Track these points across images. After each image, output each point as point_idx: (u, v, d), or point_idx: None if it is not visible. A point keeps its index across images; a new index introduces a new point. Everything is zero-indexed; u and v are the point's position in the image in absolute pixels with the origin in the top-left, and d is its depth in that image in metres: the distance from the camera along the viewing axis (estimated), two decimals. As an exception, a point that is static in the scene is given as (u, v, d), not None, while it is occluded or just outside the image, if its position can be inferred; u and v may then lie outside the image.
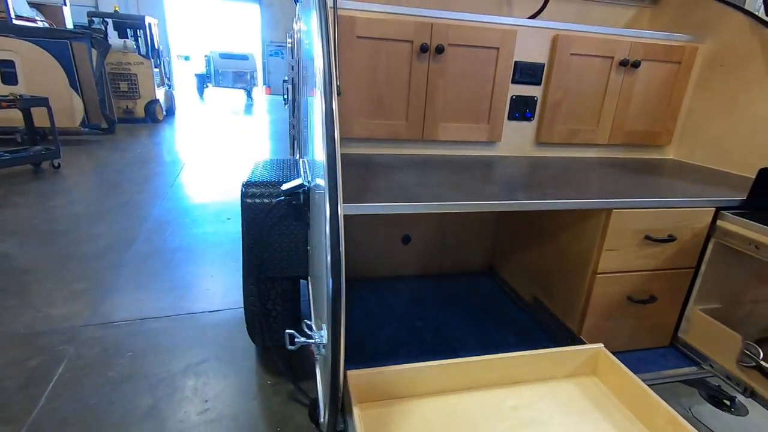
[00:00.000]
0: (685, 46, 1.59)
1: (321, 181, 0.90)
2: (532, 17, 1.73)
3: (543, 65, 1.51)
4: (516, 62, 1.47)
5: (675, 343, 1.32)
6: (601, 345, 1.07)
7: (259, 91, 16.21)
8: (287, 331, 0.94)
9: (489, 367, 1.04)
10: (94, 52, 6.54)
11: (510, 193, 1.07)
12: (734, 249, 1.16)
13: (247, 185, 1.67)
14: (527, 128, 1.59)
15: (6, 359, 1.92)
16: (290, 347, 0.94)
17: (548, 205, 1.01)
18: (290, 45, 2.98)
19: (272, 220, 1.63)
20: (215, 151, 6.49)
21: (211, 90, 14.62)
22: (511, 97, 1.52)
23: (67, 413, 1.65)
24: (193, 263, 2.90)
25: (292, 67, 3.04)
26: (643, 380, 0.96)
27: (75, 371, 1.88)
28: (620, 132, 1.65)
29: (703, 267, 1.23)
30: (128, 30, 8.80)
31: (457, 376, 1.02)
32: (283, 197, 1.53)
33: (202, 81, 14.06)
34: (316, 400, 1.17)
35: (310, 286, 1.56)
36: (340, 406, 0.91)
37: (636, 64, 1.55)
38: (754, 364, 1.13)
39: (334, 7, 1.05)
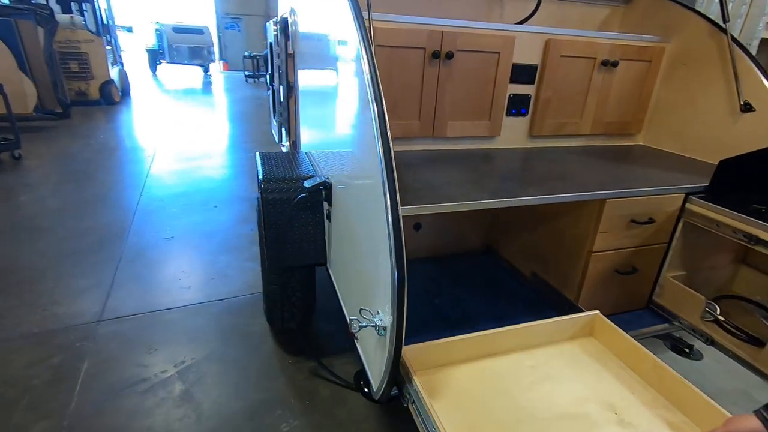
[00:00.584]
0: (654, 46, 1.81)
1: (357, 179, 1.03)
2: (523, 22, 1.89)
3: (536, 66, 1.68)
4: (514, 64, 1.63)
5: (651, 306, 1.59)
6: (597, 311, 1.30)
7: (217, 67, 15.53)
8: (351, 318, 1.10)
9: (509, 336, 1.24)
10: (40, 30, 6.09)
11: (525, 189, 1.25)
12: (699, 227, 1.42)
13: (265, 182, 1.76)
14: (522, 123, 1.77)
15: (28, 359, 1.96)
16: (353, 330, 1.10)
17: (560, 198, 1.21)
18: (275, 32, 2.98)
19: (291, 215, 1.75)
20: (184, 136, 6.32)
21: (164, 67, 13.86)
22: (509, 95, 1.69)
23: (102, 404, 1.74)
24: (191, 253, 2.96)
25: (278, 55, 3.06)
26: (636, 338, 1.20)
27: (100, 365, 1.95)
28: (600, 123, 1.87)
29: (674, 242, 1.48)
30: (72, 4, 8.17)
31: (484, 344, 1.22)
32: (305, 194, 1.64)
33: (155, 57, 13.29)
34: (360, 373, 1.33)
35: (333, 272, 1.70)
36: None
37: (615, 64, 1.76)
38: (712, 318, 1.40)
39: (369, 19, 1.16)
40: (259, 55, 13.26)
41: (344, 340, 2.19)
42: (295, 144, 3.34)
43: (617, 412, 1.08)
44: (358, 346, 1.35)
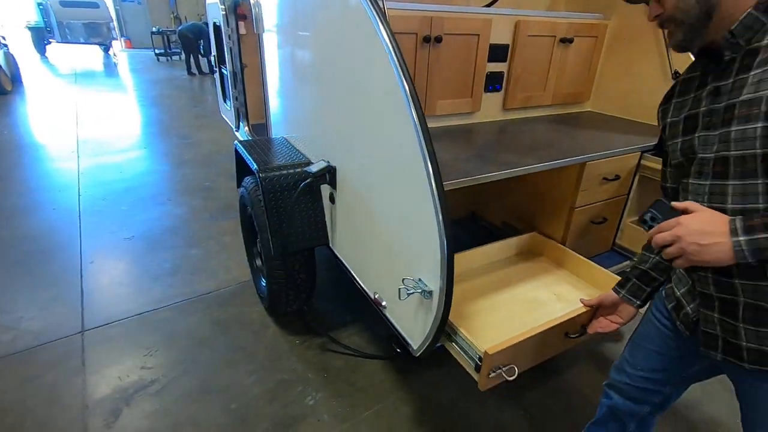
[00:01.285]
0: (599, 23, 2.07)
1: (380, 156, 1.11)
2: (490, 5, 2.05)
3: (508, 46, 1.86)
4: (490, 45, 1.79)
5: (614, 248, 1.90)
6: (535, 232, 1.64)
7: (119, 45, 13.99)
8: (399, 287, 1.22)
9: (475, 255, 1.50)
10: None
11: (524, 159, 1.44)
12: (650, 178, 1.72)
13: (263, 171, 1.78)
14: (497, 98, 1.95)
15: (22, 378, 1.84)
16: (401, 299, 1.23)
17: (556, 164, 1.41)
18: (223, 12, 2.85)
19: (293, 200, 1.80)
20: (105, 126, 5.76)
21: (55, 47, 12.20)
22: (487, 73, 1.85)
23: (119, 411, 1.72)
24: (159, 251, 2.84)
25: (229, 36, 2.94)
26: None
27: (102, 373, 1.89)
28: (559, 94, 2.12)
29: (631, 193, 1.78)
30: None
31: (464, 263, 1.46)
32: (311, 179, 1.69)
33: (40, 36, 11.64)
34: (393, 336, 1.48)
35: (341, 251, 1.79)
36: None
37: (570, 41, 1.98)
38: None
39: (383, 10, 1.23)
40: (171, 31, 12.17)
41: (344, 315, 2.31)
42: (254, 129, 3.27)
43: (557, 294, 1.53)
44: (387, 314, 1.49)
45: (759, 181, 0.75)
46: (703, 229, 0.75)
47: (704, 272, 0.87)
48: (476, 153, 1.51)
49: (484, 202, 2.30)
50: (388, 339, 1.87)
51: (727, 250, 0.73)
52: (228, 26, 2.91)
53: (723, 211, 0.79)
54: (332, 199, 1.78)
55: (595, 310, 1.25)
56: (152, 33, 11.82)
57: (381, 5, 1.20)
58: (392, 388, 1.87)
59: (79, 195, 3.62)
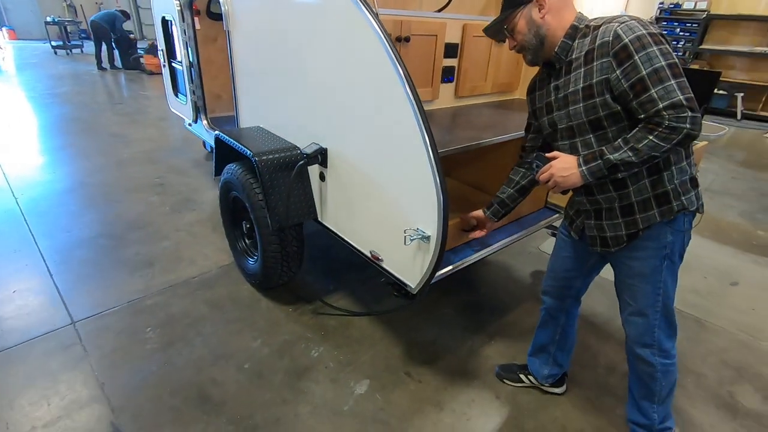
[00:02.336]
0: (524, 26, 2.55)
1: (377, 133, 1.42)
2: (441, 10, 2.43)
3: (458, 44, 2.26)
4: (446, 43, 2.18)
5: (547, 205, 2.41)
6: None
7: (1, 37, 12.37)
8: (405, 235, 1.55)
9: None
10: None
11: (485, 133, 1.84)
12: (571, 148, 2.24)
13: (258, 155, 1.99)
14: (450, 87, 2.35)
15: (25, 369, 1.87)
16: (406, 245, 1.56)
17: (510, 137, 1.83)
18: (178, 8, 2.92)
19: (287, 179, 2.04)
20: (14, 129, 5.29)
21: None
22: (443, 67, 2.24)
23: (131, 388, 1.83)
24: (128, 245, 2.86)
25: (184, 31, 3.02)
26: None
27: (111, 356, 1.98)
28: (496, 84, 2.58)
29: (558, 160, 2.29)
30: None
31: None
32: (305, 160, 1.95)
33: None
34: (392, 283, 1.80)
35: (332, 222, 2.06)
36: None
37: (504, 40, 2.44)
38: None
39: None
40: (72, 21, 11.09)
41: (327, 284, 2.58)
42: (214, 121, 3.37)
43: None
44: (385, 266, 1.81)
45: (590, 136, 1.26)
46: (564, 167, 1.25)
47: (581, 197, 1.39)
48: (446, 132, 1.88)
49: (447, 170, 2.70)
50: (385, 286, 2.16)
51: (578, 176, 1.23)
52: (183, 21, 2.99)
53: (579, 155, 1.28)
54: (322, 177, 2.05)
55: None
56: (46, 23, 10.68)
57: (375, 9, 1.51)
58: (382, 335, 2.21)
59: (15, 198, 3.41)
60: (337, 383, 1.91)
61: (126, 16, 9.35)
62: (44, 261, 2.64)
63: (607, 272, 1.55)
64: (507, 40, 1.40)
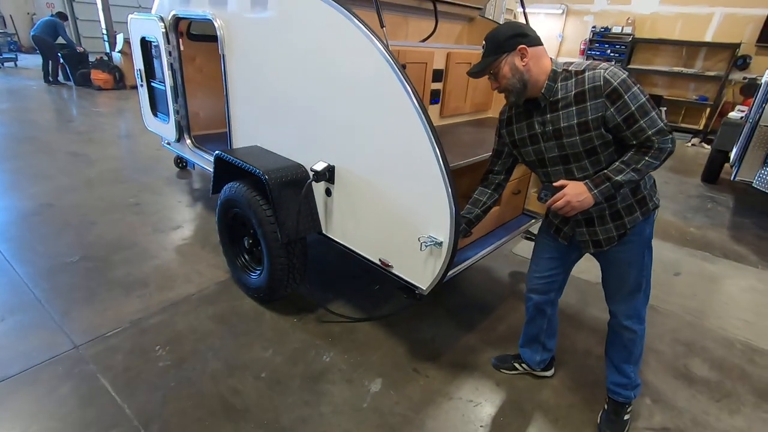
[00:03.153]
0: (495, 53, 2.87)
1: (388, 150, 1.62)
2: (425, 40, 2.68)
3: (443, 70, 2.51)
4: (433, 69, 2.42)
5: (524, 212, 2.70)
6: None
7: None
8: (420, 239, 1.75)
9: None
10: None
11: (478, 150, 2.09)
12: (543, 161, 2.55)
13: (267, 173, 2.12)
14: (437, 108, 2.60)
15: (35, 394, 1.84)
16: (421, 251, 1.76)
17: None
18: (163, 29, 2.98)
19: (294, 195, 2.18)
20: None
21: None
22: (431, 90, 2.48)
23: (154, 405, 1.88)
24: (115, 267, 2.84)
25: (169, 53, 3.06)
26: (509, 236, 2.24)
27: (125, 375, 1.99)
28: (473, 104, 2.86)
29: (533, 174, 2.59)
30: None
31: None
32: (314, 176, 2.09)
33: None
34: (402, 288, 1.99)
35: (338, 234, 2.21)
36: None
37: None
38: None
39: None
40: (3, 33, 10.36)
41: (326, 294, 2.71)
42: (196, 140, 3.40)
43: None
44: (395, 271, 1.99)
45: (585, 161, 1.48)
46: (578, 192, 1.46)
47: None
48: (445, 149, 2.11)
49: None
50: (401, 290, 2.32)
51: (591, 198, 1.45)
52: (168, 43, 3.04)
53: (573, 178, 1.51)
54: (328, 193, 2.21)
55: None
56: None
57: (386, 41, 1.72)
58: (385, 338, 2.37)
59: (-19, 223, 3.24)
60: (353, 383, 2.05)
61: (63, 17, 8.95)
62: (29, 288, 2.56)
63: (577, 270, 1.83)
64: (490, 81, 1.56)
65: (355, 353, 2.24)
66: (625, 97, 1.35)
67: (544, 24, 9.90)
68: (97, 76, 8.69)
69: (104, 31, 9.21)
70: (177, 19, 2.95)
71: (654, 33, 8.58)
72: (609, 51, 9.04)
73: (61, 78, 9.03)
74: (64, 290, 2.57)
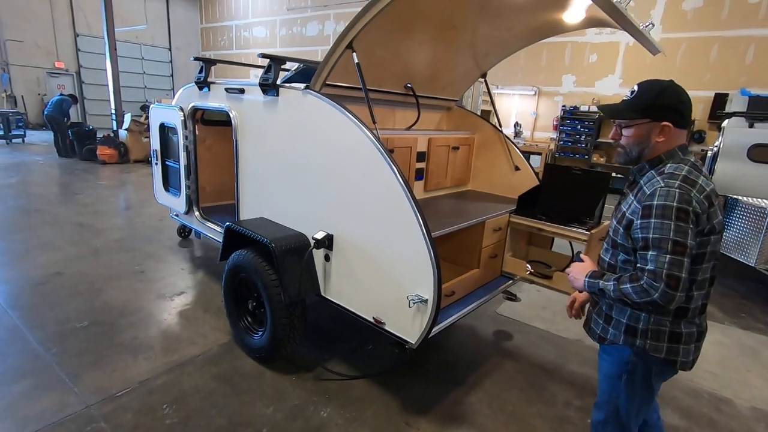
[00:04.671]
0: (471, 137, 3.35)
1: (379, 221, 1.95)
2: (410, 127, 3.15)
3: (425, 152, 2.94)
4: (417, 152, 2.85)
5: (502, 274, 3.00)
6: None
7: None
8: (408, 297, 2.01)
9: None
10: None
11: (457, 219, 2.43)
12: (515, 228, 2.90)
13: (275, 242, 2.42)
14: (421, 184, 2.99)
15: None
16: (409, 308, 2.02)
17: (475, 222, 2.43)
18: (182, 117, 3.42)
19: (297, 261, 2.46)
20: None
21: None
22: (416, 169, 2.89)
23: None
24: (122, 331, 3.01)
25: (186, 137, 3.48)
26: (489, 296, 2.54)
27: None
28: (452, 179, 3.27)
29: (507, 237, 2.92)
30: None
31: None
32: (314, 244, 2.40)
33: None
34: (394, 344, 2.21)
35: (335, 295, 2.47)
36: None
37: (457, 148, 3.19)
38: (530, 271, 2.87)
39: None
40: (13, 112, 11.03)
41: (322, 353, 2.88)
42: (201, 212, 3.73)
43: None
44: (387, 328, 2.23)
45: (610, 250, 1.44)
46: (579, 271, 1.46)
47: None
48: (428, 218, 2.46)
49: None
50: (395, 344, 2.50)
51: (581, 283, 1.43)
52: (186, 128, 3.47)
53: (603, 260, 1.49)
54: (327, 258, 2.50)
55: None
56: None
57: (376, 132, 2.12)
58: (379, 394, 2.53)
59: (-7, 290, 3.41)
60: (350, 437, 2.19)
61: (74, 99, 9.65)
62: (42, 352, 2.70)
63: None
64: (614, 127, 1.45)
65: (350, 409, 2.39)
66: (653, 220, 1.25)
67: (519, 103, 10.91)
68: (103, 151, 9.21)
69: (113, 111, 9.90)
70: (195, 109, 3.41)
71: (617, 111, 9.51)
72: (579, 126, 9.93)
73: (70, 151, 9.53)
74: (74, 354, 2.72)
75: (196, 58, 3.17)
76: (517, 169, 3.23)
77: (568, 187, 2.81)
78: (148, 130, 9.81)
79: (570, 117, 10.06)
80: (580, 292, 1.61)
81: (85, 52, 15.70)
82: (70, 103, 9.40)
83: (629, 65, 9.31)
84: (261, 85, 2.61)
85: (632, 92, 1.38)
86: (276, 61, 2.58)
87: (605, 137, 9.72)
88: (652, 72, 8.98)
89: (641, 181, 1.38)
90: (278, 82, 2.59)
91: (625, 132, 1.40)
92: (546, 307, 3.71)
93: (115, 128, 9.89)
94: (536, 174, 3.20)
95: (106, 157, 9.23)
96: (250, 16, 16.12)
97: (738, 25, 8.11)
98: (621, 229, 1.38)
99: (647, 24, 2.12)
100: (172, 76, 18.37)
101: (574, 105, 10.02)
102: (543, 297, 3.86)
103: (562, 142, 10.20)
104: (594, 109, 9.68)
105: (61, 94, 9.74)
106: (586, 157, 9.88)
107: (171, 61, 18.22)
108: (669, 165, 1.33)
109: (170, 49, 18.08)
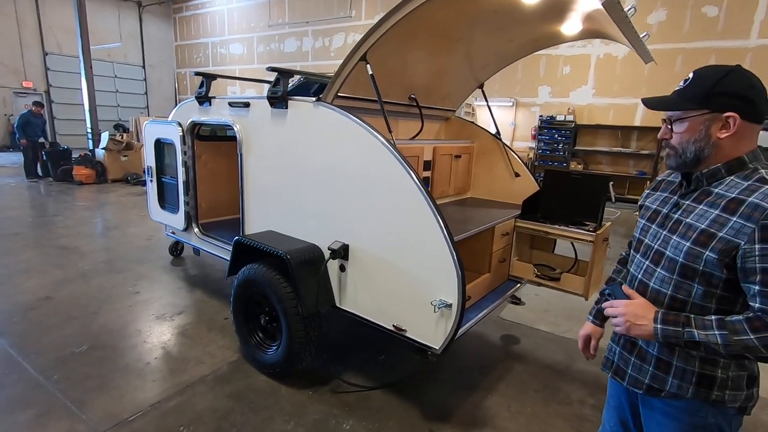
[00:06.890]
0: (470, 145, 3.43)
1: (401, 228, 1.98)
2: (414, 137, 3.21)
3: (431, 160, 3.00)
4: (424, 161, 2.90)
5: (510, 278, 3.06)
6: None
7: None
8: (432, 303, 2.03)
9: None
10: None
11: (468, 225, 2.48)
12: (521, 232, 2.97)
13: (290, 254, 2.40)
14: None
15: None
16: (435, 313, 2.04)
17: (486, 227, 2.49)
18: (181, 132, 3.37)
19: (313, 272, 2.45)
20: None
21: None
22: (422, 177, 2.93)
23: None
24: (124, 353, 2.91)
25: (184, 152, 3.43)
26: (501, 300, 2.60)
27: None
28: (454, 187, 3.34)
29: (514, 242, 2.99)
30: None
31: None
32: (331, 255, 2.39)
33: None
34: (416, 350, 2.22)
35: (352, 305, 2.46)
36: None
37: (459, 156, 3.26)
38: (537, 274, 2.94)
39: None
40: None
41: (336, 366, 2.85)
42: (201, 228, 3.66)
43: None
44: (408, 335, 2.24)
45: (673, 277, 1.10)
46: (639, 314, 1.08)
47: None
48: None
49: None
50: (414, 350, 2.49)
51: (649, 330, 1.06)
52: (185, 144, 3.43)
53: (645, 286, 1.15)
54: (342, 269, 2.49)
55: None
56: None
57: (393, 141, 2.16)
58: (398, 403, 2.52)
59: (-20, 321, 3.24)
60: (375, 448, 2.17)
61: (39, 105, 9.24)
62: (42, 380, 2.57)
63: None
64: (663, 125, 1.16)
65: (372, 420, 2.37)
66: None
67: (497, 114, 11.21)
68: (80, 171, 8.92)
69: (89, 129, 9.63)
70: (194, 125, 3.37)
71: (592, 120, 9.91)
72: (557, 135, 10.26)
73: (40, 172, 9.18)
74: (77, 379, 2.60)
75: (197, 73, 3.15)
76: (517, 175, 3.32)
77: (568, 191, 2.91)
78: (128, 149, 9.56)
79: (547, 126, 10.39)
80: (637, 339, 1.20)
81: (55, 71, 15.25)
82: (38, 119, 9.03)
83: (601, 76, 9.74)
84: (269, 98, 2.61)
85: (686, 81, 1.10)
86: (284, 75, 2.60)
87: (582, 145, 10.08)
88: (622, 82, 9.44)
89: (719, 191, 1.07)
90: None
91: (676, 128, 1.11)
92: (548, 310, 3.79)
93: (91, 147, 9.61)
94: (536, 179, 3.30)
95: (82, 177, 8.94)
96: (227, 33, 16.08)
97: (698, 37, 8.63)
98: (706, 253, 1.03)
99: (644, 35, 2.26)
100: (146, 93, 18.03)
101: (551, 115, 10.36)
102: (543, 301, 3.94)
103: (540, 151, 10.51)
104: (570, 118, 10.05)
105: (27, 111, 9.27)
106: (564, 164, 10.19)
107: (145, 79, 17.90)
108: (764, 170, 1.04)
109: (144, 67, 17.79)
